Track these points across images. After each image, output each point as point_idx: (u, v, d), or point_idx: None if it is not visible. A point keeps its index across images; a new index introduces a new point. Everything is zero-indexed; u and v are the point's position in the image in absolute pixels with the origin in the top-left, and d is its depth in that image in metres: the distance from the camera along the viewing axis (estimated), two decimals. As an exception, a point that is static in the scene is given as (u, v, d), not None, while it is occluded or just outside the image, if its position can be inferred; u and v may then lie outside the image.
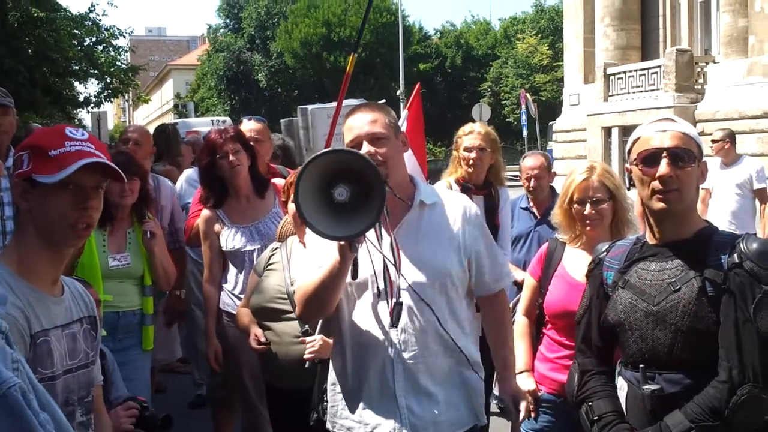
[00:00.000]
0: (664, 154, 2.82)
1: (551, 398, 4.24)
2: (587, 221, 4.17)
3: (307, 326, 4.22)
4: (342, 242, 2.97)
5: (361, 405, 3.34)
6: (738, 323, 2.70)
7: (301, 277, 3.41)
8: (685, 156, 2.85)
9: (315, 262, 3.26)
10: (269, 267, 4.57)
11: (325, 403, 3.93)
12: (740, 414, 2.67)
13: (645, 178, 2.86)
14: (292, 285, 4.35)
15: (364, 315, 3.31)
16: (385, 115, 3.36)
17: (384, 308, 3.23)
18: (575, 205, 4.19)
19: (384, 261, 3.16)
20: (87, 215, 2.51)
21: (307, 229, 3.52)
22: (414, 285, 3.25)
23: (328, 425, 3.51)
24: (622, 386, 3.04)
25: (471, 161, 5.70)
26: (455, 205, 3.46)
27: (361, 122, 3.31)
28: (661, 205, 2.84)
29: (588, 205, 4.16)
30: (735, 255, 2.76)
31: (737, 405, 2.67)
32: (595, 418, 3.01)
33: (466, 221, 3.41)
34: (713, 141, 9.71)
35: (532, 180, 6.26)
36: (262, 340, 4.43)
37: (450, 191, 3.63)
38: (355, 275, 3.09)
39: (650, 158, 2.85)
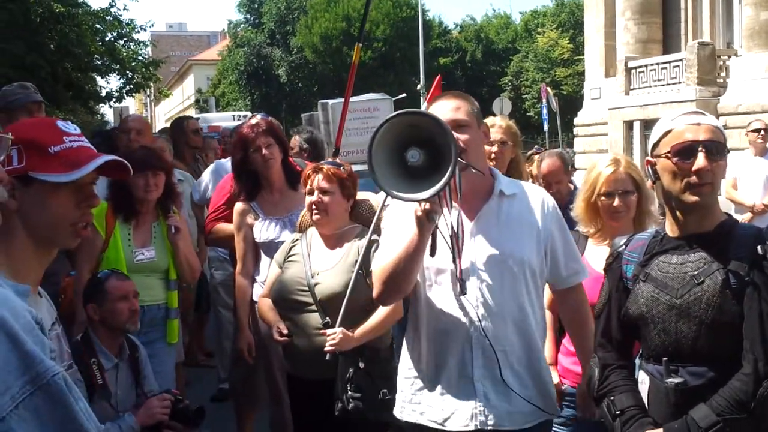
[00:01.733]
0: (701, 147, 2.81)
1: (574, 391, 4.24)
2: (614, 213, 4.18)
3: (328, 318, 4.26)
4: (419, 213, 2.98)
5: (438, 390, 3.37)
6: (763, 315, 2.70)
7: (379, 258, 3.44)
8: (719, 149, 2.85)
9: (392, 243, 3.30)
10: (290, 258, 4.60)
11: (349, 393, 3.97)
12: (767, 406, 2.67)
13: (679, 171, 2.84)
14: (312, 277, 4.39)
15: (443, 300, 3.35)
16: (469, 103, 3.42)
17: (461, 297, 3.27)
18: (602, 198, 4.19)
19: (450, 236, 3.16)
20: (89, 214, 2.40)
21: (385, 214, 3.56)
22: (492, 272, 3.30)
23: (397, 411, 3.55)
24: (643, 380, 3.04)
25: (492, 155, 5.70)
26: (534, 197, 3.50)
27: (444, 109, 3.36)
28: (695, 198, 2.83)
29: (616, 198, 4.17)
30: (759, 248, 2.76)
31: (764, 397, 2.66)
32: (618, 412, 3.00)
33: (545, 214, 3.45)
34: (752, 130, 9.72)
35: (552, 185, 6.03)
36: (285, 332, 4.46)
37: (529, 183, 3.67)
38: (433, 252, 3.09)
39: (686, 151, 2.83)
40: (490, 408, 3.29)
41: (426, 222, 3.00)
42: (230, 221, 5.63)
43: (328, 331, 4.14)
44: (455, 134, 3.22)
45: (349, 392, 4.05)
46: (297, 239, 4.68)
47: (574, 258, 3.58)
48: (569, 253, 3.53)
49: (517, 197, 3.45)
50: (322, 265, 4.45)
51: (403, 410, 3.50)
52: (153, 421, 4.09)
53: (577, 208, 4.34)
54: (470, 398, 3.30)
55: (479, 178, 3.36)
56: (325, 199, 4.43)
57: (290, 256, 4.62)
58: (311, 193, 4.47)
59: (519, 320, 3.35)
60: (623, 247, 3.15)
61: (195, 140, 8.93)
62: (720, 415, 2.70)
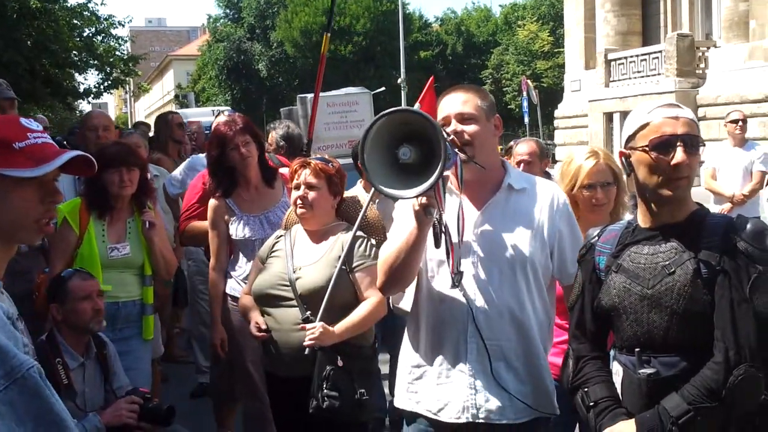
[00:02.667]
0: (679, 141, 2.81)
1: (555, 384, 4.23)
2: (596, 206, 4.18)
3: (308, 313, 4.23)
4: (417, 208, 3.03)
5: (434, 380, 3.41)
6: (733, 304, 2.71)
7: (383, 249, 3.47)
8: (696, 143, 2.85)
9: (396, 235, 3.35)
10: (273, 254, 4.58)
11: (325, 391, 3.94)
12: (737, 394, 2.68)
13: (657, 165, 2.84)
14: (294, 272, 4.36)
15: (443, 291, 3.37)
16: (480, 97, 3.43)
17: (458, 289, 3.29)
18: (584, 190, 4.19)
19: (442, 226, 3.17)
20: (53, 210, 2.36)
21: (396, 206, 3.57)
22: (493, 266, 3.32)
23: (396, 400, 3.58)
24: (617, 371, 3.05)
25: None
26: (544, 192, 3.50)
27: (452, 101, 3.40)
28: (671, 192, 2.84)
29: (599, 189, 4.17)
30: (729, 236, 2.77)
31: (734, 385, 2.68)
32: (591, 404, 3.01)
33: (554, 210, 3.45)
34: (731, 121, 9.77)
35: (522, 165, 6.31)
36: (263, 327, 4.43)
37: (542, 179, 3.68)
38: (437, 244, 3.14)
39: (664, 145, 2.82)
40: (482, 401, 3.31)
41: (423, 216, 3.05)
42: (204, 219, 5.63)
43: (308, 326, 4.11)
44: (461, 127, 3.30)
45: (325, 390, 4.02)
46: (281, 235, 4.65)
47: None
48: (577, 250, 3.46)
49: (527, 192, 3.46)
50: (304, 259, 4.42)
51: (401, 398, 3.54)
52: (119, 422, 4.06)
53: None
54: (463, 390, 3.33)
55: (488, 170, 3.37)
56: (311, 194, 4.39)
57: (273, 251, 4.59)
58: (297, 187, 4.44)
59: (517, 316, 3.35)
60: (596, 238, 3.15)
61: (179, 134, 8.89)
62: (691, 403, 2.71)
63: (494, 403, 3.31)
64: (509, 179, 3.44)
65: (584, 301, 3.14)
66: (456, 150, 3.17)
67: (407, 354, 3.56)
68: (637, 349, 2.88)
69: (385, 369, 5.88)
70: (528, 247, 3.36)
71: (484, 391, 3.31)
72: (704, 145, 2.90)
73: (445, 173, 3.01)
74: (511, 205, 3.41)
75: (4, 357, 1.50)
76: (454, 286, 3.26)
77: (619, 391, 3.01)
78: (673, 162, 2.80)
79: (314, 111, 7.89)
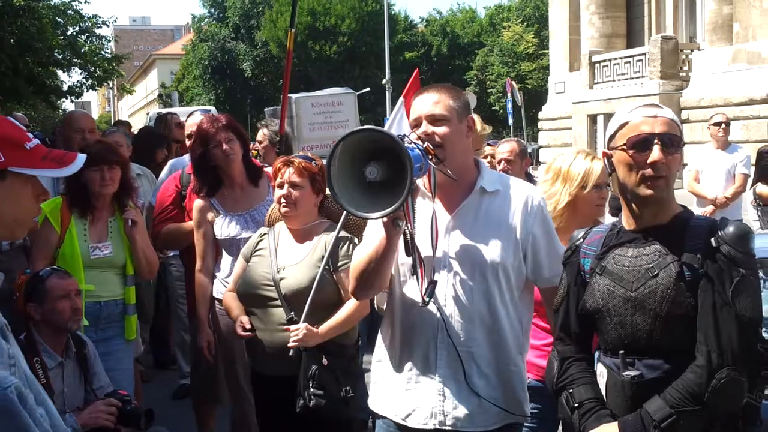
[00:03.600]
0: (656, 140, 2.81)
1: (538, 385, 4.22)
2: (599, 205, 4.25)
3: (292, 314, 4.22)
4: (386, 220, 3.01)
5: (403, 386, 3.37)
6: (716, 307, 2.71)
7: (355, 254, 3.44)
8: (675, 142, 2.84)
9: (368, 241, 3.33)
10: (256, 253, 4.56)
11: (312, 390, 3.93)
12: (720, 397, 2.68)
13: (634, 163, 2.84)
14: (278, 272, 4.35)
15: (414, 296, 3.32)
16: (452, 98, 3.35)
17: (425, 305, 3.24)
18: (594, 190, 4.19)
19: (410, 238, 3.14)
20: (39, 207, 2.42)
21: None
22: (464, 272, 3.28)
23: (370, 402, 3.55)
24: (601, 373, 3.04)
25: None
26: (518, 194, 3.42)
27: (424, 102, 3.33)
28: (649, 192, 2.83)
29: (604, 189, 4.24)
30: (712, 239, 2.77)
31: (716, 388, 2.67)
32: (576, 405, 3.00)
33: (527, 213, 3.38)
34: (714, 124, 9.79)
35: (503, 163, 6.41)
36: (248, 327, 4.41)
37: (517, 179, 3.62)
38: (408, 252, 3.12)
39: (641, 144, 2.82)
40: (450, 408, 3.27)
41: (392, 228, 3.04)
42: (179, 221, 5.61)
43: (292, 327, 4.11)
44: (432, 128, 3.24)
45: (311, 389, 4.02)
46: (265, 233, 4.64)
47: (558, 259, 3.46)
48: (553, 255, 3.44)
49: (500, 194, 3.39)
50: (288, 260, 4.40)
51: (374, 401, 3.52)
52: (96, 424, 4.03)
53: (559, 203, 4.27)
54: (431, 396, 3.29)
55: (461, 171, 3.32)
56: (295, 192, 4.37)
57: (257, 250, 4.58)
58: (281, 186, 4.41)
59: (489, 321, 3.31)
60: (581, 240, 3.14)
61: (179, 134, 8.85)
62: (673, 407, 2.71)
63: (462, 411, 3.28)
64: (482, 182, 3.37)
65: (569, 303, 3.13)
66: (429, 159, 3.11)
67: (379, 357, 3.53)
68: (621, 352, 2.88)
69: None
70: (500, 252, 3.30)
71: (453, 397, 3.27)
72: (684, 145, 2.90)
73: (417, 181, 2.98)
74: (483, 208, 3.35)
75: None
76: (424, 303, 3.19)
77: (603, 392, 2.99)
78: (649, 160, 2.79)
79: (284, 108, 7.81)
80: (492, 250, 3.29)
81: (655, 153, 2.79)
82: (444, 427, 3.28)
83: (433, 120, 3.25)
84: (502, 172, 6.35)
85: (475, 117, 6.18)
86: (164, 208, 5.86)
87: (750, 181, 9.59)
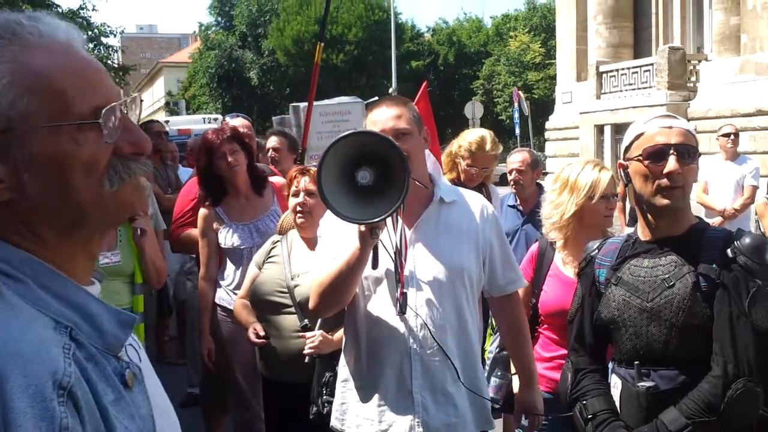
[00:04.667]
0: (672, 150, 2.82)
1: (548, 397, 4.20)
2: (607, 216, 4.23)
3: (306, 321, 4.23)
4: (363, 229, 2.94)
5: (375, 402, 3.30)
6: (732, 318, 2.70)
7: (316, 270, 3.38)
8: (691, 153, 2.85)
9: (330, 255, 3.26)
10: (269, 260, 4.57)
11: (325, 397, 3.91)
12: (736, 408, 2.67)
13: (650, 174, 2.85)
14: (292, 279, 4.35)
15: (382, 309, 3.28)
16: (409, 110, 3.36)
17: (402, 314, 3.20)
18: (602, 201, 4.17)
19: (395, 251, 3.14)
20: None
21: (321, 223, 3.50)
22: (433, 281, 3.25)
23: (335, 423, 3.47)
24: (615, 384, 3.03)
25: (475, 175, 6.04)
26: (473, 204, 3.45)
27: (385, 116, 3.30)
28: (666, 201, 2.83)
29: (611, 199, 4.24)
30: (728, 250, 2.76)
31: (732, 399, 2.67)
32: (590, 416, 3.00)
33: (484, 221, 3.41)
34: (723, 135, 9.79)
35: (514, 173, 6.35)
36: (261, 333, 4.40)
37: (468, 191, 3.63)
38: (375, 265, 3.06)
39: (657, 154, 2.83)
40: (429, 419, 3.23)
41: (369, 238, 2.96)
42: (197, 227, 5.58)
43: (308, 334, 4.10)
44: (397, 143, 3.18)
45: (325, 396, 3.99)
46: (277, 240, 4.66)
47: (512, 266, 3.53)
48: (507, 261, 3.48)
49: (457, 204, 3.40)
50: (302, 267, 4.41)
51: (343, 422, 3.43)
52: None
53: (558, 214, 4.24)
54: (408, 410, 3.24)
55: (421, 183, 3.31)
56: (311, 201, 4.37)
57: (270, 257, 4.60)
58: (296, 194, 4.43)
59: (458, 329, 3.30)
60: (596, 251, 3.14)
61: (159, 143, 8.83)
62: (689, 417, 2.70)
63: (442, 420, 3.25)
64: (440, 192, 3.38)
65: (584, 314, 3.14)
66: None
67: (345, 375, 3.45)
68: (636, 362, 2.87)
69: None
70: (464, 259, 3.31)
71: (431, 408, 3.24)
72: (699, 156, 2.90)
73: None
74: (443, 218, 3.35)
75: None
76: (401, 312, 3.17)
77: (617, 404, 2.99)
78: (665, 171, 2.80)
79: (308, 120, 7.88)
80: (457, 259, 3.30)
81: (671, 163, 2.79)
82: None
83: (398, 134, 3.20)
84: (514, 182, 6.35)
85: (488, 135, 6.19)
86: (183, 213, 5.89)
87: (759, 193, 9.57)
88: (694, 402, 2.72)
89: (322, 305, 3.30)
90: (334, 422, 3.47)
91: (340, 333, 4.12)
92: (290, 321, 4.33)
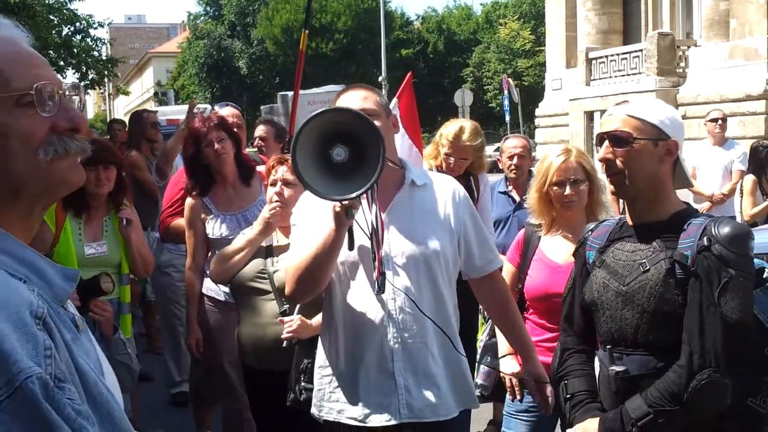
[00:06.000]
0: (605, 137, 2.85)
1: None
2: (566, 202, 4.16)
3: (286, 306, 4.22)
4: (338, 209, 2.96)
5: (357, 385, 3.30)
6: (702, 307, 2.67)
7: (291, 256, 3.38)
8: (624, 138, 2.82)
9: (304, 241, 3.26)
10: None
11: (303, 384, 3.89)
12: (699, 399, 2.66)
13: (600, 161, 2.91)
14: (272, 265, 4.32)
15: (360, 293, 3.29)
16: (376, 94, 3.40)
17: (380, 293, 3.22)
18: (554, 187, 4.17)
19: (371, 231, 3.15)
20: None
21: (294, 211, 3.50)
22: (408, 263, 3.26)
23: (314, 410, 3.47)
24: (597, 366, 3.06)
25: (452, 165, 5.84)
26: (445, 186, 3.46)
27: (353, 99, 3.32)
28: (611, 187, 2.89)
29: (567, 186, 4.14)
30: (705, 238, 2.72)
31: (696, 390, 2.65)
32: (568, 396, 3.03)
33: (456, 203, 3.41)
34: (711, 120, 9.79)
35: (515, 158, 6.29)
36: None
37: (439, 174, 3.64)
38: (351, 246, 3.07)
39: (599, 143, 2.88)
40: (412, 400, 3.24)
41: (344, 218, 2.97)
42: None
43: (285, 319, 4.07)
44: None
45: (303, 383, 3.97)
46: None
47: (488, 247, 3.53)
48: (482, 243, 3.49)
49: (428, 187, 3.42)
50: (282, 253, 4.37)
51: (321, 408, 3.42)
52: None
53: (531, 199, 4.32)
54: (391, 392, 3.25)
55: (390, 168, 3.30)
56: (288, 191, 4.35)
57: None
58: (274, 184, 4.41)
59: (436, 311, 3.31)
60: (590, 233, 3.15)
61: (152, 133, 8.81)
62: (651, 406, 2.70)
63: (425, 401, 3.25)
64: (411, 175, 3.39)
65: (574, 295, 3.15)
66: None
67: (323, 362, 3.45)
68: (608, 346, 2.90)
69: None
70: (439, 241, 3.31)
71: (414, 390, 3.25)
72: (643, 141, 2.84)
73: None
74: (416, 201, 3.37)
75: (5, 363, 1.31)
76: (380, 291, 3.19)
77: (599, 386, 3.01)
78: (597, 158, 2.86)
79: (294, 108, 7.86)
80: (432, 240, 3.31)
81: (601, 151, 2.84)
82: (407, 420, 3.24)
83: (366, 115, 3.17)
84: (515, 168, 6.30)
85: (468, 126, 6.06)
86: (173, 203, 5.86)
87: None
88: (658, 390, 2.71)
89: (299, 290, 3.29)
90: (313, 409, 3.48)
91: (318, 318, 4.11)
92: (269, 307, 4.32)
